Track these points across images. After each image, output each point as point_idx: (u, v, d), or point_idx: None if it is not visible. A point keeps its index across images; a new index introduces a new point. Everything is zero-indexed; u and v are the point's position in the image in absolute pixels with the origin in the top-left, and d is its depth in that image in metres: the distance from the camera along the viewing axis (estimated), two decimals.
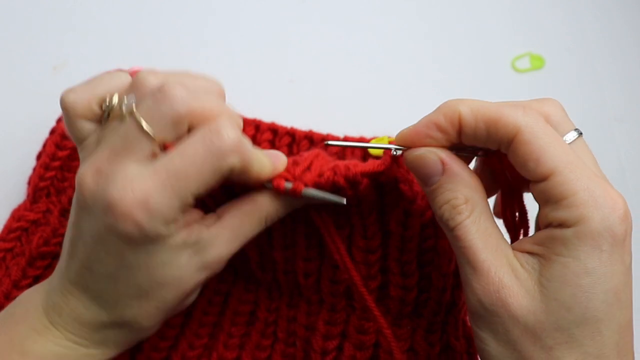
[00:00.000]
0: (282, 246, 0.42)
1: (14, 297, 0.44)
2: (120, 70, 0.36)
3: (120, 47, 0.63)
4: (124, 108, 0.33)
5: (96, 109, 0.34)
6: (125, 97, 0.33)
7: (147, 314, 0.36)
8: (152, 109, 0.32)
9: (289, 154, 0.51)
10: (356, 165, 0.36)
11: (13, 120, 0.58)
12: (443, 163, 0.33)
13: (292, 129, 0.52)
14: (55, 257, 0.49)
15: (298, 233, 0.41)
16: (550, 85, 0.64)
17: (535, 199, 0.32)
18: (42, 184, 0.51)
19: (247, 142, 0.34)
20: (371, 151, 0.48)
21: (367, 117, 0.59)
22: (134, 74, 0.46)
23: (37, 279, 0.48)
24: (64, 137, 0.50)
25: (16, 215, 0.51)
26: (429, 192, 0.34)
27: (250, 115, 0.53)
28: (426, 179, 0.34)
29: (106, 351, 0.37)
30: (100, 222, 0.32)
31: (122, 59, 0.54)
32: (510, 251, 0.32)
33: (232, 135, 0.32)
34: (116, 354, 0.38)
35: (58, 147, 0.50)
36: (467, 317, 0.43)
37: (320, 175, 0.37)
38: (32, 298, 0.37)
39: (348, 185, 0.36)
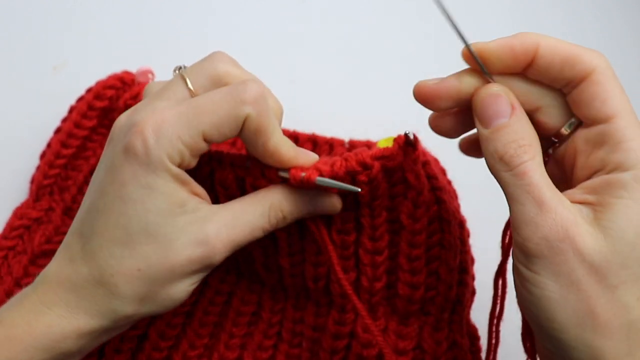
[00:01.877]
0: (288, 254, 0.42)
1: None
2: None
3: (120, 47, 0.63)
4: (180, 70, 0.36)
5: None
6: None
7: (126, 271, 0.33)
8: (197, 66, 0.36)
9: None
10: (365, 151, 0.37)
11: (13, 120, 0.58)
12: (512, 106, 0.32)
13: (294, 132, 0.52)
14: None
15: (307, 240, 0.41)
16: None
17: (582, 145, 0.32)
18: (45, 182, 0.51)
19: (270, 107, 0.35)
20: (380, 145, 0.48)
21: (369, 117, 0.59)
22: (144, 74, 0.47)
23: None
24: (69, 135, 0.50)
25: (18, 213, 0.51)
26: (491, 132, 0.32)
27: None
28: (493, 118, 0.32)
29: (90, 321, 0.34)
30: (117, 146, 0.34)
31: (122, 59, 0.54)
32: (568, 206, 0.31)
33: (255, 87, 0.34)
34: (101, 329, 0.34)
35: (63, 145, 0.50)
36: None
37: (332, 164, 0.37)
38: (45, 274, 0.35)
39: (361, 168, 0.37)
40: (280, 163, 0.36)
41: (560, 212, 0.30)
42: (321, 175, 0.36)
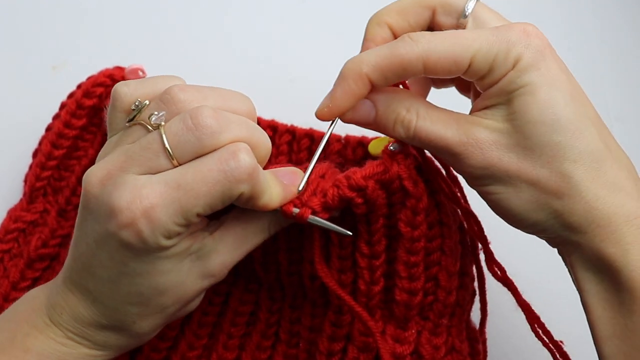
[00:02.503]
0: (287, 249, 0.42)
1: (13, 299, 0.44)
2: (175, 76, 0.37)
3: (121, 47, 0.62)
4: (152, 119, 0.33)
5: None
6: (156, 111, 0.33)
7: (146, 320, 0.36)
8: (179, 135, 0.32)
9: (289, 151, 0.51)
10: (355, 172, 0.36)
11: (12, 120, 0.58)
12: (373, 102, 0.36)
13: (292, 126, 0.52)
14: (54, 258, 0.49)
15: (306, 236, 0.41)
16: None
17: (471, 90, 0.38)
18: (38, 184, 0.50)
19: (261, 171, 0.34)
20: (371, 151, 0.48)
21: None
22: (134, 71, 0.46)
23: (35, 281, 0.48)
24: (60, 136, 0.50)
25: (13, 216, 0.50)
26: (377, 126, 0.37)
27: None
28: (367, 122, 0.37)
29: (108, 352, 0.37)
30: (103, 226, 0.32)
31: (122, 59, 0.54)
32: (471, 117, 0.35)
33: (248, 161, 0.32)
34: (116, 355, 0.38)
35: (54, 146, 0.50)
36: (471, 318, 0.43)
37: (325, 194, 0.36)
38: (35, 296, 0.37)
39: (355, 193, 0.36)
40: (269, 210, 0.36)
41: (468, 143, 0.34)
42: (314, 212, 0.36)
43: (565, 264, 0.37)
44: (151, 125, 0.33)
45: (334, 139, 0.51)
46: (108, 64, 0.53)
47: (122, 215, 0.31)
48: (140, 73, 0.50)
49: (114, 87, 0.35)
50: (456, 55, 0.33)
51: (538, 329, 0.40)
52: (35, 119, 0.55)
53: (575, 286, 0.36)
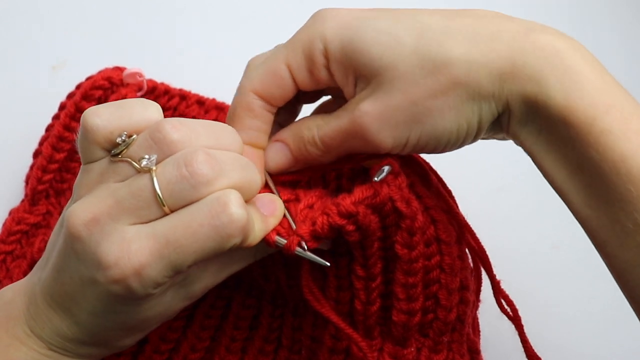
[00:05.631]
0: (284, 264, 0.41)
1: None
2: (150, 102, 0.35)
3: (120, 47, 0.62)
4: (143, 163, 0.31)
5: (116, 140, 0.33)
6: (147, 155, 0.32)
7: (130, 338, 0.36)
8: (173, 183, 0.31)
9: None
10: (344, 198, 0.35)
11: (12, 120, 0.58)
12: (282, 140, 0.39)
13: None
14: None
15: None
16: None
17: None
18: (40, 187, 0.50)
19: (250, 214, 0.32)
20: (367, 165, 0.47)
21: None
22: (132, 75, 0.45)
23: None
24: (60, 139, 0.50)
25: (16, 218, 0.50)
26: (296, 159, 0.39)
27: None
28: (288, 160, 0.39)
29: None
30: (90, 272, 0.31)
31: (122, 59, 0.54)
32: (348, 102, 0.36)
33: (240, 215, 0.31)
34: None
35: (55, 149, 0.50)
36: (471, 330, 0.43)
37: (314, 223, 0.35)
38: (10, 301, 0.35)
39: (346, 220, 0.35)
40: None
41: (357, 108, 0.35)
42: (302, 241, 0.35)
43: (519, 143, 0.36)
44: (141, 167, 0.31)
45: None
46: (108, 63, 0.53)
47: (110, 271, 0.30)
48: (139, 77, 0.50)
49: (84, 115, 0.33)
50: (274, 75, 0.37)
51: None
52: (35, 118, 0.55)
53: (535, 162, 0.35)
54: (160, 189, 0.30)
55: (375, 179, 0.35)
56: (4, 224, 0.51)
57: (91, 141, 0.33)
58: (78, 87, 0.51)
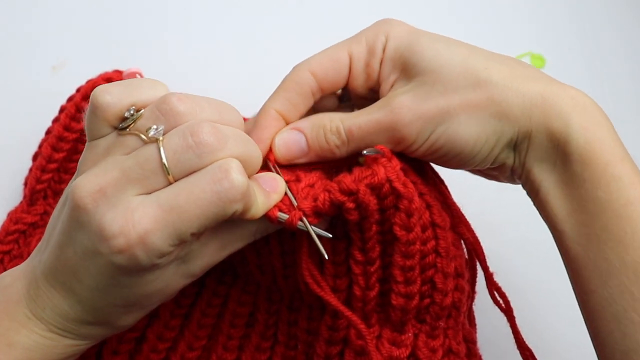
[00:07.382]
0: (280, 252, 0.41)
1: None
2: (158, 82, 0.36)
3: (120, 47, 0.62)
4: (151, 133, 0.32)
5: (124, 115, 0.34)
6: (154, 125, 0.33)
7: (131, 315, 0.37)
8: (179, 152, 0.31)
9: None
10: (345, 177, 0.36)
11: (12, 120, 0.58)
12: (299, 129, 0.40)
13: None
14: None
15: (298, 241, 0.40)
16: None
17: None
18: (39, 187, 0.50)
19: (251, 186, 0.33)
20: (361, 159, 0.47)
21: None
22: (132, 75, 0.45)
23: None
24: (60, 139, 0.50)
25: (13, 218, 0.50)
26: (311, 148, 0.40)
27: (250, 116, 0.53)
28: (302, 149, 0.40)
29: (90, 342, 0.37)
30: (93, 244, 0.31)
31: (122, 59, 0.54)
32: (384, 97, 0.39)
33: (240, 181, 0.32)
34: (97, 342, 0.38)
35: (54, 149, 0.50)
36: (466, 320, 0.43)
37: (315, 199, 0.36)
38: (10, 285, 0.36)
39: (346, 197, 0.36)
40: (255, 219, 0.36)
41: (393, 104, 0.37)
42: (304, 214, 0.36)
43: (527, 189, 0.39)
44: (148, 138, 0.32)
45: None
46: (107, 64, 0.53)
47: (115, 241, 0.31)
48: (138, 77, 0.50)
49: (94, 93, 0.34)
50: (335, 60, 0.39)
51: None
52: (35, 120, 0.55)
53: (532, 199, 0.38)
54: (166, 157, 0.31)
55: (365, 152, 0.37)
56: (2, 225, 0.51)
57: (100, 118, 0.34)
58: (78, 89, 0.51)
